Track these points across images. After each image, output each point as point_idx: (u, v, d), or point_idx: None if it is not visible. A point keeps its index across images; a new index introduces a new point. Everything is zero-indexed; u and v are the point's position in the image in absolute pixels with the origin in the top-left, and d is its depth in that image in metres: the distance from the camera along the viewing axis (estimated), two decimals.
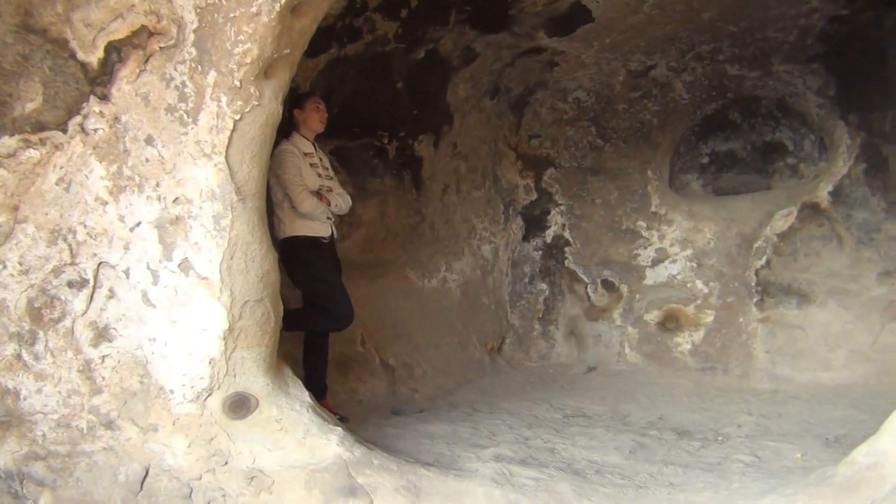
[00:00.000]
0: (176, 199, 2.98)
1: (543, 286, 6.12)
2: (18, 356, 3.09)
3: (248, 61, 2.88)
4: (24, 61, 3.10)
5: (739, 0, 4.87)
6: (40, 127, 3.10)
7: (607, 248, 5.92)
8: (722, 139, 5.97)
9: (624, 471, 2.98)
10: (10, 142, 3.11)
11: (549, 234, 6.14)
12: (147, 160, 3.02)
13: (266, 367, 2.99)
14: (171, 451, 2.92)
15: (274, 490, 2.71)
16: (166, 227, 2.99)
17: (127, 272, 3.04)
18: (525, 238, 6.21)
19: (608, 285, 5.88)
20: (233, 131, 2.93)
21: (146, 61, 3.03)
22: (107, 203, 3.07)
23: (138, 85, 3.03)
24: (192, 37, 2.94)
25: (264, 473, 2.78)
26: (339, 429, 2.93)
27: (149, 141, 3.01)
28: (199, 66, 2.94)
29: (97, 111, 3.08)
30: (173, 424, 2.95)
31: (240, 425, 2.89)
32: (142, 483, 2.92)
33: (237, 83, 2.90)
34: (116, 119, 3.06)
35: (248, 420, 2.90)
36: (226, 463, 2.85)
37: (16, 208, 3.11)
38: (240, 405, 2.90)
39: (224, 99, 2.92)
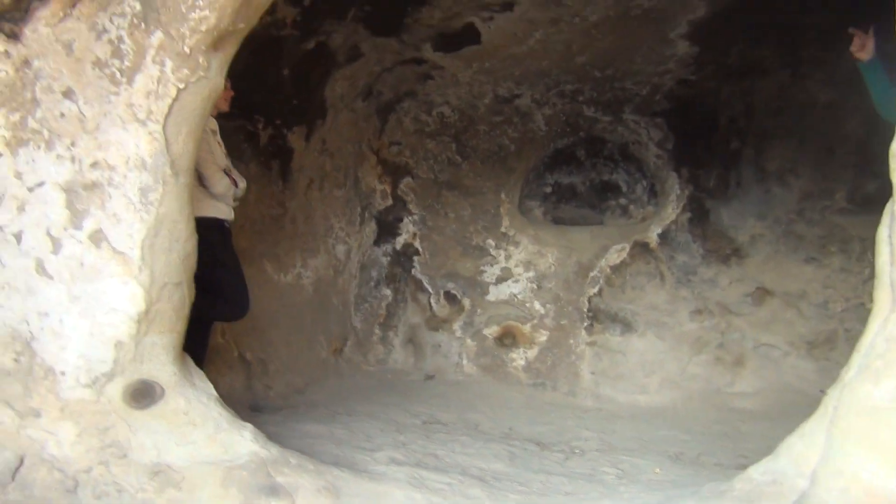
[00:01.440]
0: (95, 162, 2.71)
1: (388, 292, 6.19)
2: None
3: (204, 29, 2.70)
4: None
5: (611, 52, 5.32)
6: None
7: (455, 261, 6.12)
8: (566, 172, 6.44)
9: (516, 478, 3.14)
10: None
11: (400, 242, 6.22)
12: (62, 115, 2.73)
13: (174, 355, 2.80)
14: (56, 439, 2.63)
15: (183, 487, 2.54)
16: (78, 192, 2.71)
17: (18, 236, 2.72)
18: (376, 242, 6.25)
19: (451, 297, 6.08)
20: (174, 100, 2.72)
21: (73, 5, 2.75)
22: (0, 155, 2.73)
23: (61, 30, 2.74)
24: None
25: (172, 469, 2.59)
26: (251, 425, 2.81)
27: (67, 94, 2.73)
28: (143, 24, 2.71)
29: (2, 50, 2.74)
30: (61, 410, 2.66)
31: (142, 415, 2.67)
32: (13, 474, 2.61)
33: (186, 50, 2.71)
34: (26, 63, 2.74)
35: (151, 410, 2.69)
36: (124, 456, 2.62)
37: None
38: (144, 394, 2.69)
39: (169, 64, 2.71)
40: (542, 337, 5.83)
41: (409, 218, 6.23)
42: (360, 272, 6.17)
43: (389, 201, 6.24)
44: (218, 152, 3.56)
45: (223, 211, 3.61)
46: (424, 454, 3.43)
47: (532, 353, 5.81)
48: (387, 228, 6.24)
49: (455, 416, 4.64)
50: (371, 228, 6.23)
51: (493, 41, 5.25)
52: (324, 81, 5.31)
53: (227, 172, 3.59)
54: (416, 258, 6.20)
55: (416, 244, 6.21)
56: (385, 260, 6.23)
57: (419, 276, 6.17)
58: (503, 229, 6.09)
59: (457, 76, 5.81)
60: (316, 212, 5.61)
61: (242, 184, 3.75)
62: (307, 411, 4.26)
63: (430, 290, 6.13)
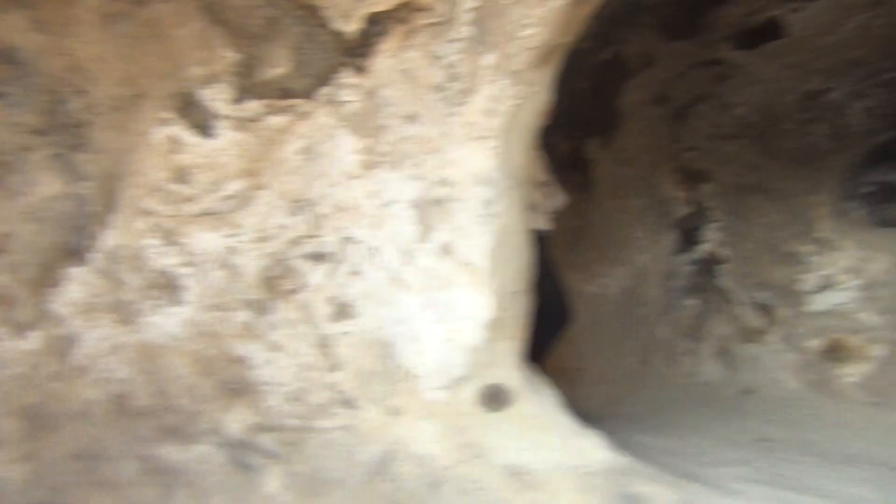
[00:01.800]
0: (440, 180, 2.89)
1: (693, 302, 5.95)
2: (249, 325, 3.05)
3: (533, 46, 2.79)
4: (272, 25, 3.06)
5: None
6: (286, 94, 3.06)
7: (765, 269, 5.73)
8: (889, 170, 5.75)
9: None
10: (254, 106, 3.08)
11: (702, 250, 5.96)
12: (407, 138, 2.94)
13: (520, 361, 2.90)
14: (417, 437, 2.83)
15: (541, 490, 2.60)
16: (426, 209, 2.90)
17: (375, 250, 2.96)
18: (677, 251, 6.05)
19: (763, 308, 5.69)
20: (510, 116, 2.84)
21: (410, 36, 2.96)
22: (356, 178, 3.00)
23: (400, 60, 2.96)
24: (468, 16, 2.85)
25: (528, 471, 2.67)
26: (600, 432, 2.82)
27: (410, 119, 2.94)
28: (475, 47, 2.85)
29: (351, 83, 3.02)
30: (421, 410, 2.85)
31: (495, 418, 2.79)
32: (382, 466, 2.83)
33: (518, 68, 2.81)
34: (372, 93, 2.99)
35: (503, 413, 2.79)
36: (481, 456, 2.74)
37: (257, 174, 3.08)
38: (495, 397, 2.80)
39: (502, 83, 2.82)
40: (878, 351, 5.22)
41: (711, 225, 5.94)
42: (662, 282, 6.01)
43: (689, 208, 6.00)
44: (538, 165, 3.67)
45: (538, 221, 3.69)
46: (771, 474, 3.19)
47: (866, 368, 5.22)
48: (688, 236, 6.01)
49: (787, 435, 4.28)
50: (671, 237, 6.04)
51: (800, 33, 4.88)
52: (617, 91, 5.30)
53: (546, 185, 3.68)
54: (721, 267, 5.89)
55: (721, 252, 5.91)
56: (687, 269, 6.00)
57: (726, 285, 5.86)
58: (819, 234, 5.58)
59: (756, 74, 5.47)
60: (615, 221, 5.58)
61: (561, 196, 3.81)
62: (628, 422, 4.19)
63: (740, 300, 5.79)
